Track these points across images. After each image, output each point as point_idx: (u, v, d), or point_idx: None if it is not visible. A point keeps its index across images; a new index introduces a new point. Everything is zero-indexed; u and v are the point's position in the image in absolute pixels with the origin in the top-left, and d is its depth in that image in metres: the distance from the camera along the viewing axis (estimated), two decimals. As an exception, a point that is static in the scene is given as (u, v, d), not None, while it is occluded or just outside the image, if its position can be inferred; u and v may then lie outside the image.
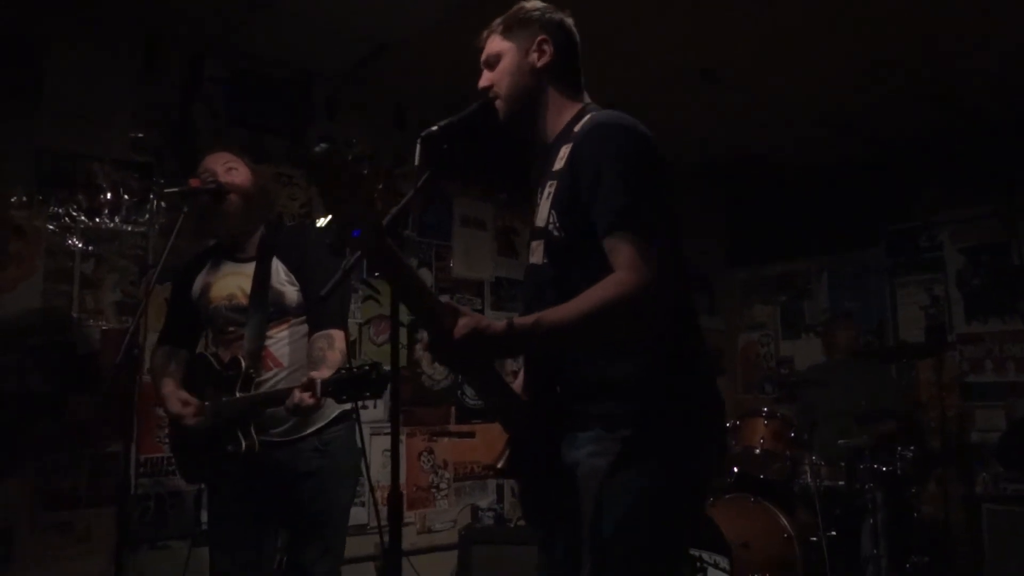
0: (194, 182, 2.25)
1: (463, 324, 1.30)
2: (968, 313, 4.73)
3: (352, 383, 1.93)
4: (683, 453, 1.43)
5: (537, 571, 1.64)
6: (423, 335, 4.14)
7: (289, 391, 2.05)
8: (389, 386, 1.58)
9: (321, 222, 1.22)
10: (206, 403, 2.24)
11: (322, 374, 2.03)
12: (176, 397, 2.27)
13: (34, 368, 3.02)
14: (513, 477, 1.63)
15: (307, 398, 2.00)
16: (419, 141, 1.45)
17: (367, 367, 1.92)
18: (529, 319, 1.35)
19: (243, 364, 2.20)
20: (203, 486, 2.88)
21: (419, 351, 4.15)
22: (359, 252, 1.28)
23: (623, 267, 1.34)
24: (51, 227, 3.14)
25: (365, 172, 1.22)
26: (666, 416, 1.42)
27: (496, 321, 1.33)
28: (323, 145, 1.21)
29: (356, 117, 4.04)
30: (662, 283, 1.33)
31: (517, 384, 1.67)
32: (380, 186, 1.24)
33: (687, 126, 4.56)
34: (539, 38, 1.61)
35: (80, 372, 3.11)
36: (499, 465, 1.58)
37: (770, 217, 5.75)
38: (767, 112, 4.44)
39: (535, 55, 1.61)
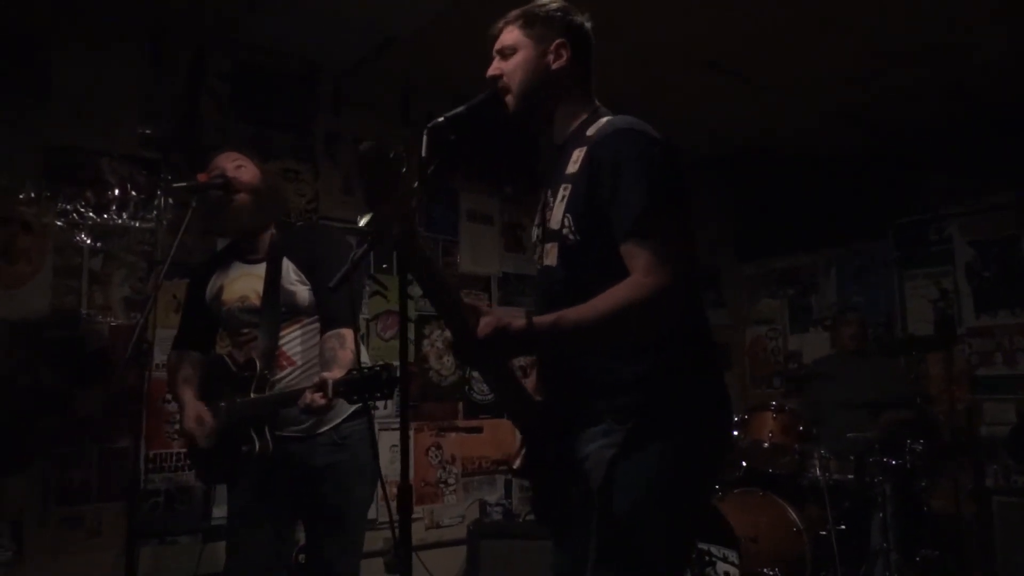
0: (202, 177, 2.26)
1: (485, 323, 1.32)
2: (978, 306, 4.70)
3: (363, 383, 1.93)
4: (688, 442, 1.45)
5: (552, 569, 1.64)
6: (431, 331, 4.14)
7: (301, 391, 2.05)
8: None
9: (362, 221, 1.26)
10: (222, 404, 2.25)
11: (334, 374, 2.03)
12: (191, 412, 2.26)
13: (43, 364, 3.03)
14: (530, 478, 1.64)
15: (319, 398, 1.99)
16: (426, 131, 1.45)
17: (378, 368, 1.92)
18: (549, 318, 1.36)
19: (258, 365, 2.22)
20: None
21: (426, 346, 4.15)
22: (375, 245, 1.29)
23: (641, 271, 1.36)
24: (59, 223, 3.15)
25: (404, 170, 1.23)
26: (672, 407, 1.44)
27: (516, 320, 1.35)
28: (368, 143, 1.23)
29: (362, 111, 4.03)
30: (678, 287, 1.35)
31: (530, 383, 1.68)
32: (416, 184, 1.26)
33: (694, 118, 4.54)
34: (558, 41, 1.59)
35: (89, 368, 3.12)
36: (515, 466, 1.61)
37: (777, 210, 5.71)
38: (775, 104, 4.41)
39: (551, 57, 1.59)
